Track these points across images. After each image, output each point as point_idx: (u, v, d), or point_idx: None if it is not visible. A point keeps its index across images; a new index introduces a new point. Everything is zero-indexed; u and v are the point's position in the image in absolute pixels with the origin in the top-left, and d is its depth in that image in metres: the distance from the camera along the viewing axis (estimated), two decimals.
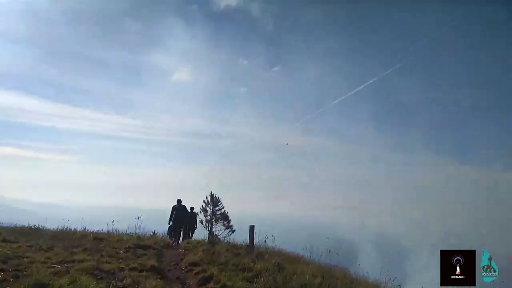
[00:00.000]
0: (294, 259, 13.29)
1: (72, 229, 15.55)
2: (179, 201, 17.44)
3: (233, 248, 13.81)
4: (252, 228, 14.21)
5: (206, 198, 25.99)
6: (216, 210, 25.98)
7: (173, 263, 10.80)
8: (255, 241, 14.74)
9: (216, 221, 26.02)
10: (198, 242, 15.80)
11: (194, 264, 10.25)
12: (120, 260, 9.93)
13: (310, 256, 15.42)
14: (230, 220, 25.69)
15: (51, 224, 15.53)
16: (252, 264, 10.36)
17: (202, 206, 25.90)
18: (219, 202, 25.91)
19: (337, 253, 15.48)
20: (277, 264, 10.70)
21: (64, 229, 15.03)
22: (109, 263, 9.14)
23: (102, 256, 10.15)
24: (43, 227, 14.66)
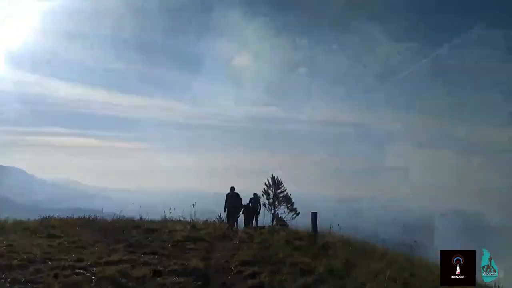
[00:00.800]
0: (365, 251, 11.20)
1: (130, 218, 15.04)
2: (232, 188, 16.31)
3: (294, 237, 12.12)
4: (314, 215, 12.35)
5: (268, 181, 24.69)
6: (278, 193, 24.59)
7: (223, 261, 9.38)
8: (319, 228, 13.00)
9: (279, 203, 24.68)
10: (256, 229, 14.40)
11: (246, 263, 8.71)
12: (163, 259, 8.76)
13: (383, 244, 13.20)
14: (293, 202, 24.18)
15: (125, 211, 15.22)
16: (313, 262, 8.58)
17: (264, 189, 24.68)
18: (281, 184, 24.45)
19: (414, 239, 13.18)
20: (345, 262, 8.81)
21: (120, 218, 14.51)
22: (146, 264, 7.97)
23: (144, 253, 9.08)
24: (98, 217, 14.19)
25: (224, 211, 16.37)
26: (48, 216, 13.30)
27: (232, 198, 16.09)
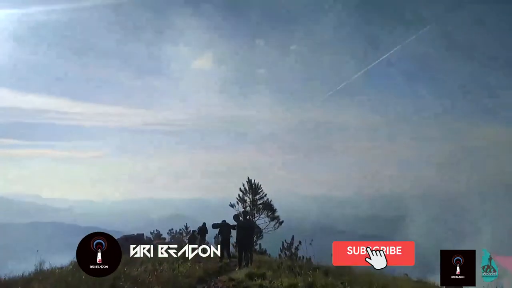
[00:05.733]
0: None
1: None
2: (245, 213, 12.19)
3: None
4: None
5: (243, 185, 21.11)
6: (256, 199, 21.09)
7: None
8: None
9: (258, 212, 21.19)
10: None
11: None
12: None
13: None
14: (275, 210, 20.74)
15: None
16: None
17: (239, 195, 21.11)
18: (259, 189, 20.94)
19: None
20: None
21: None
22: None
23: None
24: None
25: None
26: None
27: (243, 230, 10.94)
